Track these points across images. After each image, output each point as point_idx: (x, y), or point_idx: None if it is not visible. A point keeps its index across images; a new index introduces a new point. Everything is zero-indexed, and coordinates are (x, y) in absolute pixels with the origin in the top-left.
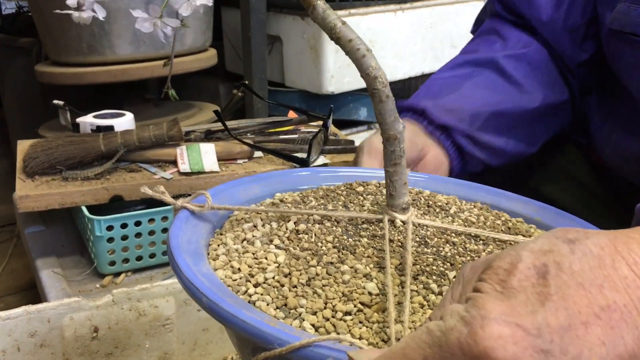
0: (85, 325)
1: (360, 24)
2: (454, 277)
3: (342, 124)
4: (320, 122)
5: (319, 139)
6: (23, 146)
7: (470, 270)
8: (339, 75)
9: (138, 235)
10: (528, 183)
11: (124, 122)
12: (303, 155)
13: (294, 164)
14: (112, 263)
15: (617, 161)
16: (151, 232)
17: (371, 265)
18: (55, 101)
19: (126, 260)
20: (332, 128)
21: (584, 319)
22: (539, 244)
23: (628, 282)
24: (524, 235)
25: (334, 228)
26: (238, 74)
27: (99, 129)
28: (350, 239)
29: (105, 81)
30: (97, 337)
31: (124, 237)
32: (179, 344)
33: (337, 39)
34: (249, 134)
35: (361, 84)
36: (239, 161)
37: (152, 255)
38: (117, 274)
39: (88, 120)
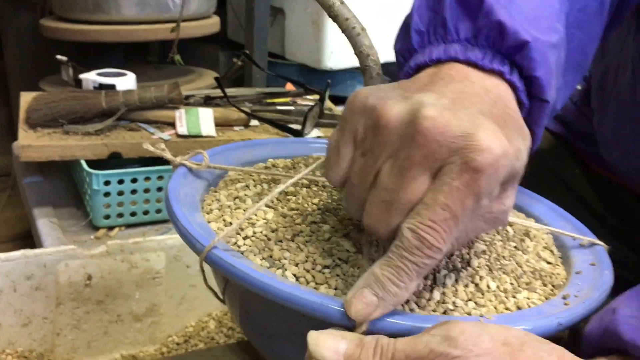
0: (79, 272)
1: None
2: None
3: (338, 100)
4: (317, 96)
5: (314, 112)
6: (26, 98)
7: (437, 342)
8: (338, 51)
9: (134, 191)
10: None
11: (126, 81)
12: (298, 126)
13: (289, 135)
14: (107, 217)
15: (626, 174)
16: (146, 190)
17: (351, 227)
18: (59, 56)
19: (120, 215)
20: (328, 103)
21: None
22: None
23: None
24: None
25: (320, 192)
26: (239, 43)
27: (102, 86)
28: (334, 203)
29: (109, 40)
30: (89, 284)
31: (120, 193)
32: (167, 298)
33: (334, 17)
34: (246, 103)
35: None
36: (236, 128)
37: (145, 212)
38: (111, 228)
39: (91, 78)
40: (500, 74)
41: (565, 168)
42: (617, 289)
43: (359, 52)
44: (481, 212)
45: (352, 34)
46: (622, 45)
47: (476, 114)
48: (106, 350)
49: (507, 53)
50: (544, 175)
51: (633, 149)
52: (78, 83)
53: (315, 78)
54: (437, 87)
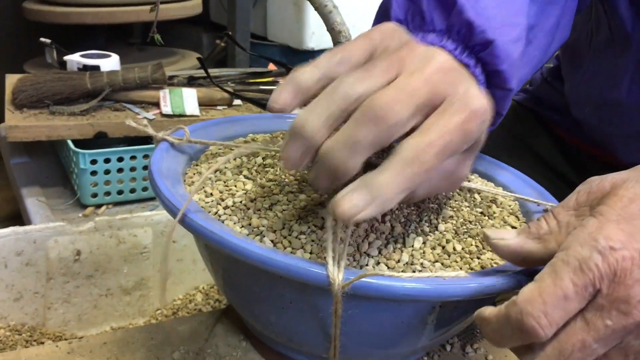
0: (68, 248)
1: None
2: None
3: None
4: None
5: None
6: (11, 80)
7: (586, 192)
8: (320, 32)
9: (120, 170)
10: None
11: (110, 62)
12: None
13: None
14: (94, 195)
15: (597, 127)
16: (132, 169)
17: (326, 195)
18: (42, 39)
19: (108, 193)
20: None
21: None
22: None
23: None
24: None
25: None
26: (221, 25)
27: (86, 68)
28: None
29: (91, 22)
30: (79, 259)
31: (107, 172)
32: (154, 272)
33: None
34: (229, 83)
35: None
36: (219, 107)
37: (132, 190)
38: (99, 206)
39: (75, 59)
40: (466, 67)
41: (532, 135)
42: None
43: (331, 29)
44: (450, 166)
45: (324, 11)
46: (590, 13)
47: None
48: (96, 323)
49: (474, 49)
50: (512, 142)
51: (604, 96)
52: (62, 65)
53: (297, 58)
54: None
